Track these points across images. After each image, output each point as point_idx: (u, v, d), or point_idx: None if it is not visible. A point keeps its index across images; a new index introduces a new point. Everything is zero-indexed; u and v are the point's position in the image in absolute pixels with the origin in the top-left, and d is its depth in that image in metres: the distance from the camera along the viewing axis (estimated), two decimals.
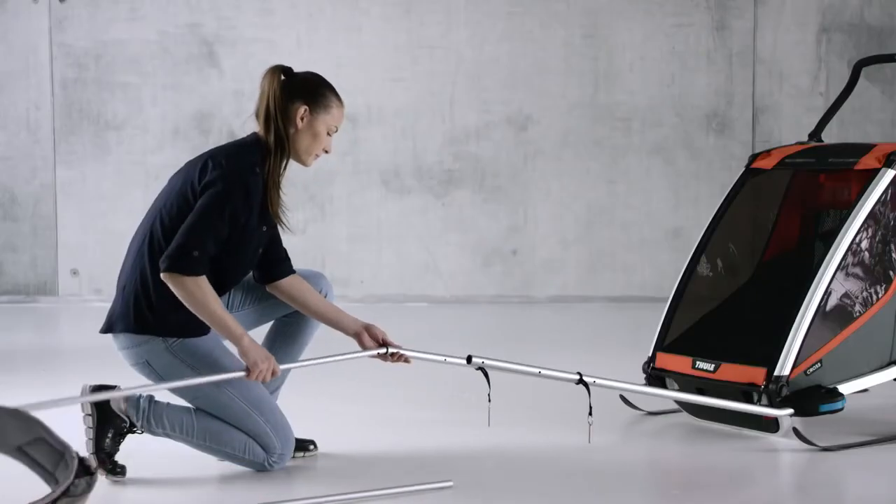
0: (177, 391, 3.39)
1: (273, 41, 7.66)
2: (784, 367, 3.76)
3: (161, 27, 7.68)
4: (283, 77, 3.45)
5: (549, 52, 7.71)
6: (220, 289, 3.39)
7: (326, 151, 3.50)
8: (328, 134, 3.47)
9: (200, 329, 3.37)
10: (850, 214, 3.93)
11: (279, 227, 3.51)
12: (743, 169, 4.40)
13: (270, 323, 3.71)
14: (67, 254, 7.77)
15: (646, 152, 7.75)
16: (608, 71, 7.72)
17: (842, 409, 3.85)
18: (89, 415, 3.38)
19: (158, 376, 3.38)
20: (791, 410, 3.76)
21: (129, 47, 7.69)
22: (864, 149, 4.09)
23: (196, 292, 3.27)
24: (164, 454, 3.57)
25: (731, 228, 4.33)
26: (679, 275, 4.30)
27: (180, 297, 3.29)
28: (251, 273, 3.59)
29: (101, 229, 7.75)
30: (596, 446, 3.69)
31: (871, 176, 3.97)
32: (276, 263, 3.58)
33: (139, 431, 3.43)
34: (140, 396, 3.41)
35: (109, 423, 3.38)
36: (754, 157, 4.38)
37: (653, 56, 7.70)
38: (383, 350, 3.51)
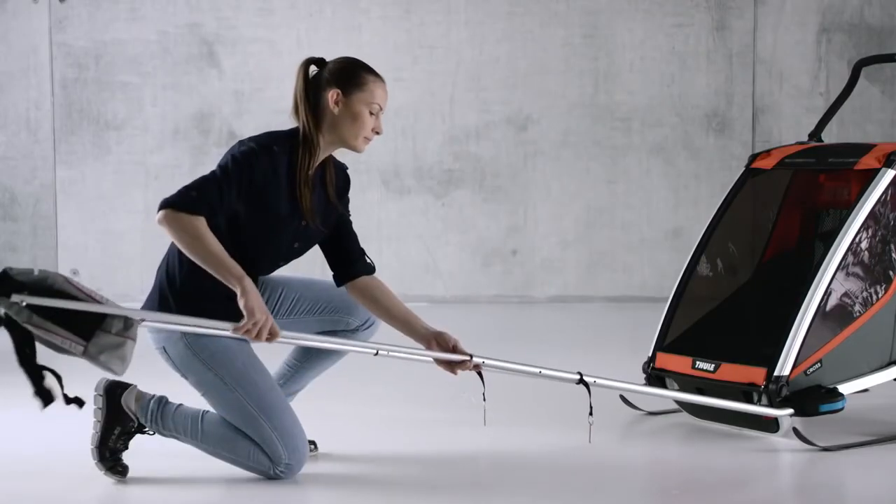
0: (190, 379, 3.37)
1: (273, 41, 7.66)
2: (784, 367, 3.76)
3: (161, 27, 7.68)
4: (313, 68, 3.40)
5: (549, 52, 7.71)
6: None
7: (377, 132, 3.41)
8: (371, 114, 3.38)
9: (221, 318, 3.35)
10: (850, 214, 3.93)
11: (344, 225, 3.50)
12: (743, 169, 4.40)
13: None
14: (67, 254, 7.77)
15: (646, 152, 7.74)
16: (608, 71, 7.72)
17: (842, 409, 3.85)
18: (100, 409, 3.38)
19: (174, 364, 3.38)
20: (791, 410, 3.76)
21: (129, 47, 7.69)
22: (864, 149, 4.10)
23: (188, 227, 3.19)
24: (168, 454, 3.57)
25: (731, 228, 4.34)
26: (679, 275, 4.30)
27: (173, 237, 3.23)
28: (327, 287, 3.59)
29: (101, 229, 7.75)
30: (596, 446, 3.69)
31: (871, 176, 3.97)
32: (351, 262, 3.54)
33: (150, 432, 3.42)
34: (151, 398, 3.41)
35: (118, 420, 3.38)
36: (754, 157, 4.38)
37: (653, 56, 7.70)
38: (466, 358, 3.42)
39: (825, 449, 3.74)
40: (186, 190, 3.25)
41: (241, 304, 3.16)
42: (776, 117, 7.72)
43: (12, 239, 7.79)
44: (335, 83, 3.37)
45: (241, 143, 3.37)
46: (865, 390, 4.01)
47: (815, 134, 4.57)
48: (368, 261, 3.59)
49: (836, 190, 4.25)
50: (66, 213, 7.76)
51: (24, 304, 2.98)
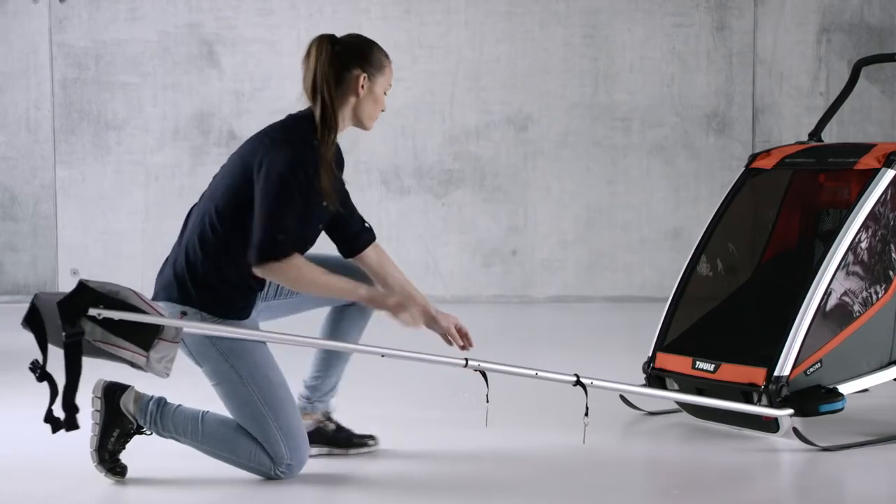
0: (204, 368, 3.37)
1: (273, 41, 7.66)
2: (784, 367, 3.76)
3: (161, 27, 7.68)
4: (331, 46, 3.38)
5: (549, 52, 7.71)
6: (260, 285, 3.41)
7: (383, 110, 3.50)
8: (385, 94, 3.46)
9: (238, 313, 3.36)
10: (849, 214, 3.93)
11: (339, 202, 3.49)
12: (743, 169, 4.40)
13: (297, 315, 3.67)
14: (67, 254, 7.77)
15: (646, 152, 7.74)
16: (608, 71, 7.72)
17: (842, 409, 3.85)
18: (98, 410, 3.38)
19: (190, 352, 3.38)
20: (791, 410, 3.75)
21: (129, 47, 7.69)
22: (864, 149, 4.09)
23: (294, 272, 3.28)
24: (168, 454, 3.56)
25: (731, 228, 4.33)
26: (679, 275, 4.30)
27: (284, 284, 3.34)
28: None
29: (101, 229, 7.75)
30: (596, 446, 3.69)
31: (871, 176, 3.97)
32: (356, 235, 3.57)
33: (148, 433, 3.42)
34: (150, 399, 3.40)
35: (117, 422, 3.38)
36: (754, 157, 4.38)
37: (653, 56, 7.70)
38: (462, 362, 3.43)
39: (825, 449, 3.74)
40: (272, 235, 3.26)
41: (380, 305, 3.40)
42: (776, 117, 7.72)
43: (12, 239, 7.79)
44: (359, 65, 3.40)
45: (283, 148, 3.31)
46: (865, 390, 4.01)
47: (815, 134, 4.57)
48: (367, 225, 3.63)
49: (836, 190, 4.25)
50: (66, 213, 7.76)
51: (100, 317, 3.10)
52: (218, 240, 3.35)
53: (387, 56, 3.46)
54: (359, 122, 3.47)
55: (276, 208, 3.26)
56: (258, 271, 3.29)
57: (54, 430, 3.19)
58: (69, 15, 7.68)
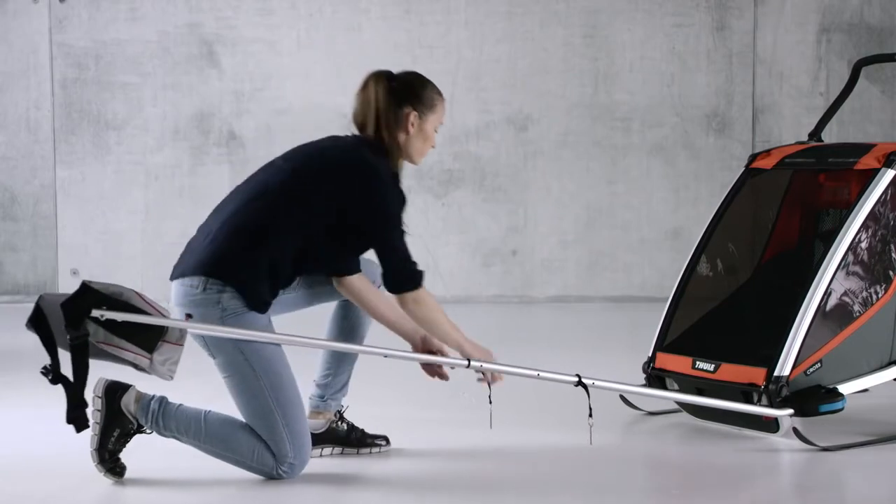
0: (217, 359, 3.36)
1: (273, 41, 7.66)
2: (784, 367, 3.76)
3: (161, 27, 7.68)
4: (387, 82, 3.50)
5: (549, 52, 7.71)
6: (288, 282, 3.43)
7: (433, 147, 3.59)
8: (435, 131, 3.55)
9: (261, 307, 3.37)
10: (850, 214, 3.93)
11: None
12: (743, 169, 4.40)
13: (312, 307, 3.68)
14: (67, 254, 7.77)
15: (646, 152, 7.74)
16: (608, 71, 7.72)
17: (842, 409, 3.85)
18: (98, 410, 3.38)
19: (205, 343, 3.38)
20: (791, 410, 3.75)
21: (129, 47, 7.69)
22: (864, 149, 4.09)
23: (430, 302, 3.49)
24: (168, 454, 3.57)
25: (731, 228, 4.33)
26: (679, 275, 4.30)
27: (418, 311, 3.46)
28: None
29: (101, 229, 7.75)
30: (596, 446, 3.69)
31: (871, 176, 3.97)
32: (345, 259, 3.57)
33: (148, 432, 3.42)
34: (151, 399, 3.40)
35: (117, 421, 3.37)
36: (754, 157, 4.38)
37: (653, 56, 7.70)
38: (465, 362, 3.51)
39: (825, 449, 3.74)
40: (413, 266, 3.47)
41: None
42: (776, 117, 7.72)
43: (12, 239, 7.79)
44: (411, 103, 3.50)
45: (388, 184, 3.42)
46: (865, 390, 4.01)
47: (815, 134, 4.57)
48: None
49: (836, 190, 4.25)
50: (66, 213, 7.76)
51: (103, 318, 3.14)
52: (278, 237, 3.36)
53: (440, 94, 3.57)
54: (408, 157, 3.57)
55: (402, 242, 3.44)
56: (401, 300, 3.46)
57: (78, 430, 3.21)
58: (69, 15, 7.68)
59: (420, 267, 3.49)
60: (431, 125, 3.53)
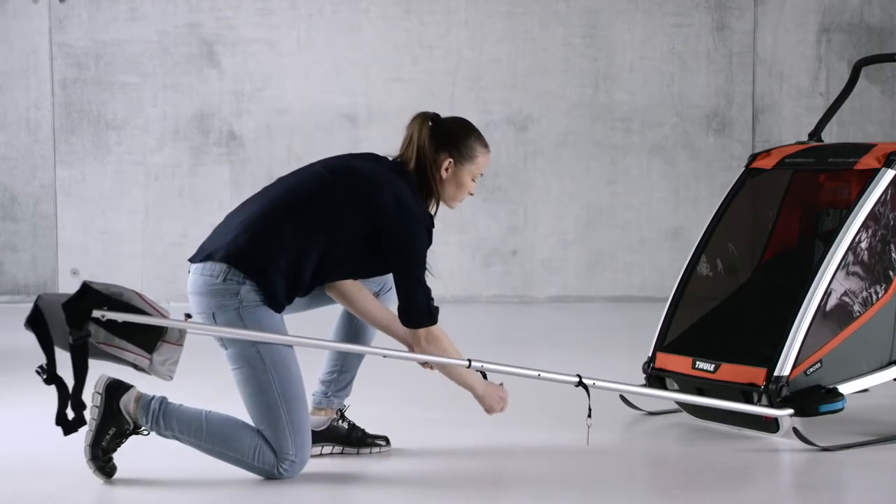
0: (230, 350, 3.37)
1: (273, 41, 7.66)
2: (784, 367, 3.76)
3: (161, 27, 7.68)
4: (431, 125, 3.55)
5: (549, 52, 7.71)
6: (303, 288, 3.44)
7: (471, 194, 3.62)
8: (472, 180, 3.58)
9: (276, 305, 3.38)
10: (850, 214, 3.93)
11: None
12: (743, 169, 4.40)
13: (310, 311, 3.70)
14: (67, 254, 7.77)
15: (646, 152, 7.74)
16: (608, 71, 7.72)
17: (842, 409, 3.85)
18: (97, 406, 3.38)
19: None
20: (791, 410, 3.75)
21: (129, 47, 7.69)
22: (864, 149, 4.09)
23: (444, 338, 3.50)
24: (167, 454, 3.56)
25: (731, 228, 4.33)
26: (679, 275, 4.30)
27: (429, 349, 3.47)
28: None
29: (101, 229, 7.75)
30: (596, 446, 3.69)
31: (871, 176, 3.97)
32: (357, 277, 3.61)
33: (146, 433, 3.42)
34: (152, 398, 3.40)
35: (113, 420, 3.37)
36: (754, 157, 4.38)
37: (653, 56, 7.70)
38: (465, 363, 3.54)
39: (825, 449, 3.74)
40: (429, 302, 3.47)
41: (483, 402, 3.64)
42: (776, 117, 7.72)
43: (12, 239, 7.79)
44: (448, 151, 3.54)
45: (419, 220, 3.45)
46: (865, 390, 4.01)
47: (815, 134, 4.57)
48: None
49: (836, 190, 4.25)
50: (66, 213, 7.76)
51: (104, 318, 3.16)
52: (304, 243, 3.38)
53: (484, 145, 3.60)
54: (443, 200, 3.61)
55: (422, 273, 3.45)
56: (415, 335, 3.47)
57: (66, 433, 3.21)
58: (69, 15, 7.68)
59: (437, 303, 3.51)
60: (468, 174, 3.57)
